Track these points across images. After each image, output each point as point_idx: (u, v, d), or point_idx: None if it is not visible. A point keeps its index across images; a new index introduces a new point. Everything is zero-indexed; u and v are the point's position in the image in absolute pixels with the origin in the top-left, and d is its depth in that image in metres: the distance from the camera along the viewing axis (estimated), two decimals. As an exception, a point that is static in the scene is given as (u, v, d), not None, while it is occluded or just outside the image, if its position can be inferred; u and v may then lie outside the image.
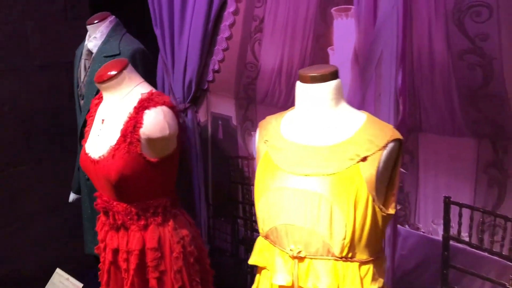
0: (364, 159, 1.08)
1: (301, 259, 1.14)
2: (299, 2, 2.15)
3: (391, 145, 1.11)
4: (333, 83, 1.16)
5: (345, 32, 2.05)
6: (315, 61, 2.16)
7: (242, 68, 2.45)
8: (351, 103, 2.10)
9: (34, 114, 3.01)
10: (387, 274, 2.14)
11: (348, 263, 1.11)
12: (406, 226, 2.08)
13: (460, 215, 1.91)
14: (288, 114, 1.26)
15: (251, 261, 1.28)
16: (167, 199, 1.59)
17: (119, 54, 2.09)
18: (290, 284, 1.16)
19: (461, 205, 1.89)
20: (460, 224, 1.91)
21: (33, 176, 3.07)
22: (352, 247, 1.09)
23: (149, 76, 2.15)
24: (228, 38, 2.45)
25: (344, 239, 1.08)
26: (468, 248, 1.91)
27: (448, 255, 1.96)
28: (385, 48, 1.93)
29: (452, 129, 1.84)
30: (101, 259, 1.67)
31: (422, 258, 2.05)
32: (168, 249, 1.56)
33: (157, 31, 2.65)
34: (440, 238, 1.97)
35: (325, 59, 2.14)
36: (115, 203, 1.56)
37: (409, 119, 1.94)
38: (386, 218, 1.14)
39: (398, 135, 1.14)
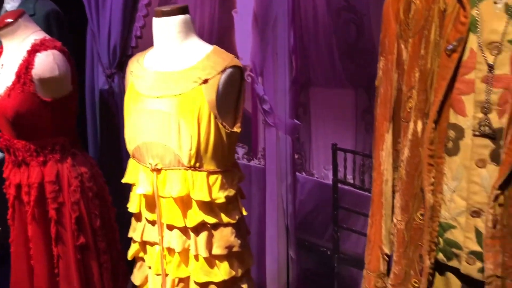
0: (205, 81, 1.27)
1: (158, 171, 1.33)
2: (206, -31, 2.32)
3: (229, 70, 1.30)
4: (179, 17, 1.34)
5: (246, -4, 2.24)
6: (221, 23, 2.34)
7: (161, 33, 2.61)
8: (254, 62, 2.31)
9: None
10: (290, 219, 2.37)
11: (197, 172, 1.30)
12: (303, 173, 2.29)
13: (345, 160, 2.13)
14: (152, 49, 1.44)
15: (123, 180, 1.46)
16: (65, 139, 1.76)
17: (33, 15, 2.22)
18: (150, 193, 1.35)
19: (345, 151, 2.12)
20: (345, 168, 2.13)
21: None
22: (198, 157, 1.28)
23: (62, 36, 2.29)
24: (148, 5, 2.61)
25: (191, 150, 1.26)
26: (353, 189, 2.14)
27: (337, 197, 2.19)
28: (278, 10, 2.14)
29: (335, 81, 2.05)
30: (7, 196, 1.82)
31: (317, 202, 2.28)
32: (66, 183, 1.72)
33: (85, -1, 2.79)
34: (330, 182, 2.19)
35: (230, 21, 2.32)
36: (15, 141, 1.72)
37: (301, 75, 2.15)
38: (231, 135, 1.33)
39: (237, 62, 1.33)
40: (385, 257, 1.21)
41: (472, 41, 0.92)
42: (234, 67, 1.31)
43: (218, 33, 2.36)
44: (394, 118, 1.16)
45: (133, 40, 2.75)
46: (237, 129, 1.35)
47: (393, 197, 1.19)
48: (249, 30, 2.25)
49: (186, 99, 1.27)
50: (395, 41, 1.11)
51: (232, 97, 1.33)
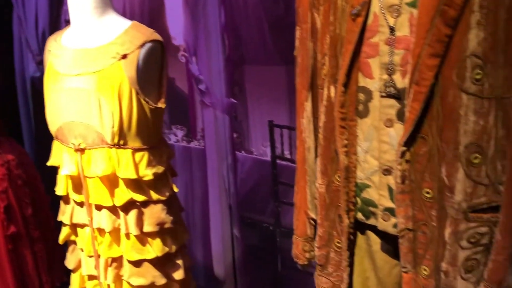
0: (124, 56, 1.26)
1: (82, 151, 1.31)
2: None
3: (148, 44, 1.30)
4: (95, -7, 1.31)
5: (175, -25, 2.22)
6: (152, 4, 2.31)
7: (92, 16, 2.53)
8: (187, 42, 2.30)
9: None
10: (233, 198, 2.39)
11: (122, 150, 1.29)
12: (242, 151, 2.32)
13: (281, 136, 2.17)
14: (69, 27, 1.40)
15: (49, 163, 1.43)
16: (-13, 126, 1.70)
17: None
18: (76, 174, 1.33)
19: (281, 127, 2.15)
20: (282, 143, 2.18)
21: None
22: (122, 135, 1.27)
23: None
24: (75, -13, 2.52)
25: (113, 127, 1.25)
26: (291, 164, 2.18)
27: (276, 173, 2.23)
28: (208, -12, 2.13)
29: (267, 58, 2.08)
30: None
31: (257, 179, 2.32)
32: (-9, 172, 1.66)
33: (8, -16, 2.66)
34: (269, 158, 2.23)
35: (161, 2, 2.29)
36: None
37: (234, 53, 2.16)
38: (155, 110, 1.33)
39: (157, 37, 1.32)
40: (311, 221, 1.25)
41: (375, 5, 0.96)
42: (154, 41, 1.30)
43: (149, 15, 2.33)
44: (312, 87, 1.19)
45: (62, 24, 2.66)
46: (161, 104, 1.34)
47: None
48: (180, 10, 2.24)
49: (105, 76, 1.25)
50: (308, 10, 1.13)
51: (153, 72, 1.32)
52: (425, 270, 1.01)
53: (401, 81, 0.96)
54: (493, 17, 0.87)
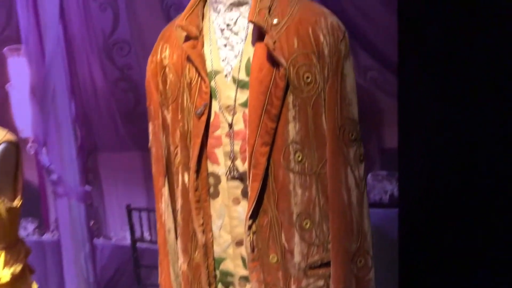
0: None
1: None
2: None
3: (3, 145, 1.33)
4: None
5: (20, 70, 2.23)
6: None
7: None
8: (36, 134, 2.28)
9: None
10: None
11: (-25, 252, 1.26)
12: (101, 238, 2.31)
13: (140, 219, 2.23)
14: None
15: None
16: None
17: None
18: None
19: (140, 210, 2.22)
20: (141, 226, 2.23)
21: None
22: (-26, 238, 1.25)
23: None
24: None
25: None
26: (152, 246, 2.24)
27: (137, 256, 2.26)
28: (57, 82, 2.19)
29: (121, 145, 2.18)
30: None
31: (118, 264, 2.31)
32: None
33: None
34: (129, 242, 2.26)
35: (5, 96, 2.27)
36: None
37: (87, 142, 2.21)
38: (11, 210, 1.33)
39: (9, 138, 1.37)
40: (177, 300, 1.34)
41: (215, 106, 1.16)
42: (7, 142, 1.34)
43: (-8, 108, 2.28)
44: (168, 173, 1.33)
45: None
46: (18, 201, 1.35)
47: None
48: (27, 102, 2.24)
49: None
50: (159, 108, 1.30)
51: (8, 171, 1.34)
52: (279, 325, 1.17)
53: (242, 166, 1.15)
54: (304, 113, 1.13)
